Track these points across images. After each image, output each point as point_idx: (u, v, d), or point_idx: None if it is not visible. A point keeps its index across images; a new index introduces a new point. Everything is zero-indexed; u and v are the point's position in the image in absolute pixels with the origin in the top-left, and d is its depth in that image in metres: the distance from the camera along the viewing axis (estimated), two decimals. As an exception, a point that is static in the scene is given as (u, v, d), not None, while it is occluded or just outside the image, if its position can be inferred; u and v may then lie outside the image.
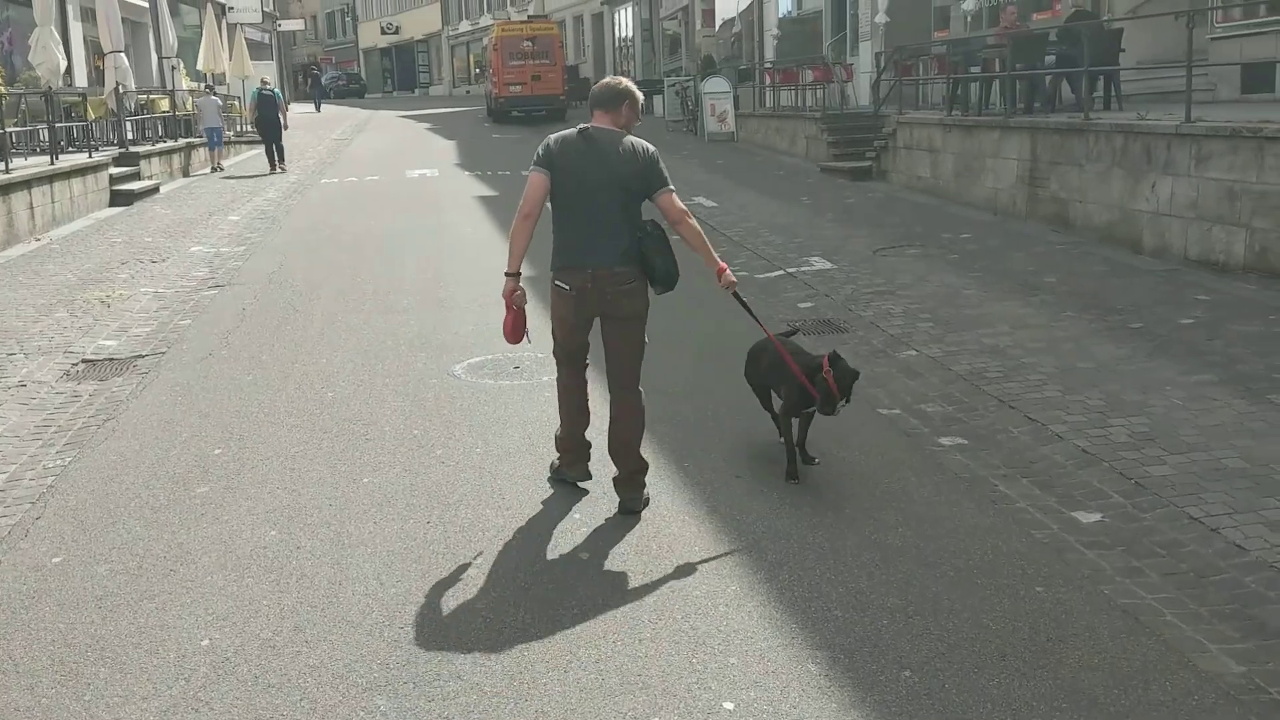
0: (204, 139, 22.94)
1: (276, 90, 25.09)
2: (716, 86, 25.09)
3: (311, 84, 56.31)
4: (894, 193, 16.33)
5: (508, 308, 5.28)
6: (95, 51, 26.06)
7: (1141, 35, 13.82)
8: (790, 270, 10.91)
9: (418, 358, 7.93)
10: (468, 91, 60.17)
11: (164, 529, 5.09)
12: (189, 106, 23.63)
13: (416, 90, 70.34)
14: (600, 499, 5.33)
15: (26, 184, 13.45)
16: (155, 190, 18.01)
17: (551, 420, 6.19)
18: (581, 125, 5.14)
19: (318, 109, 48.39)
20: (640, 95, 5.36)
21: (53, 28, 16.17)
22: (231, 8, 35.89)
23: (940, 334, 8.27)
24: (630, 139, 5.09)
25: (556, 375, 5.57)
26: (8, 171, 13.28)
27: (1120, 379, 6.96)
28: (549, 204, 5.12)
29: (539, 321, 5.80)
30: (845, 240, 12.47)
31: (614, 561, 4.72)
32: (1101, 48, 12.63)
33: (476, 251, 12.34)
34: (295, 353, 8.19)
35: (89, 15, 22.26)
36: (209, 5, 28.19)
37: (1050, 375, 7.11)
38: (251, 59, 38.07)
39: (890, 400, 6.83)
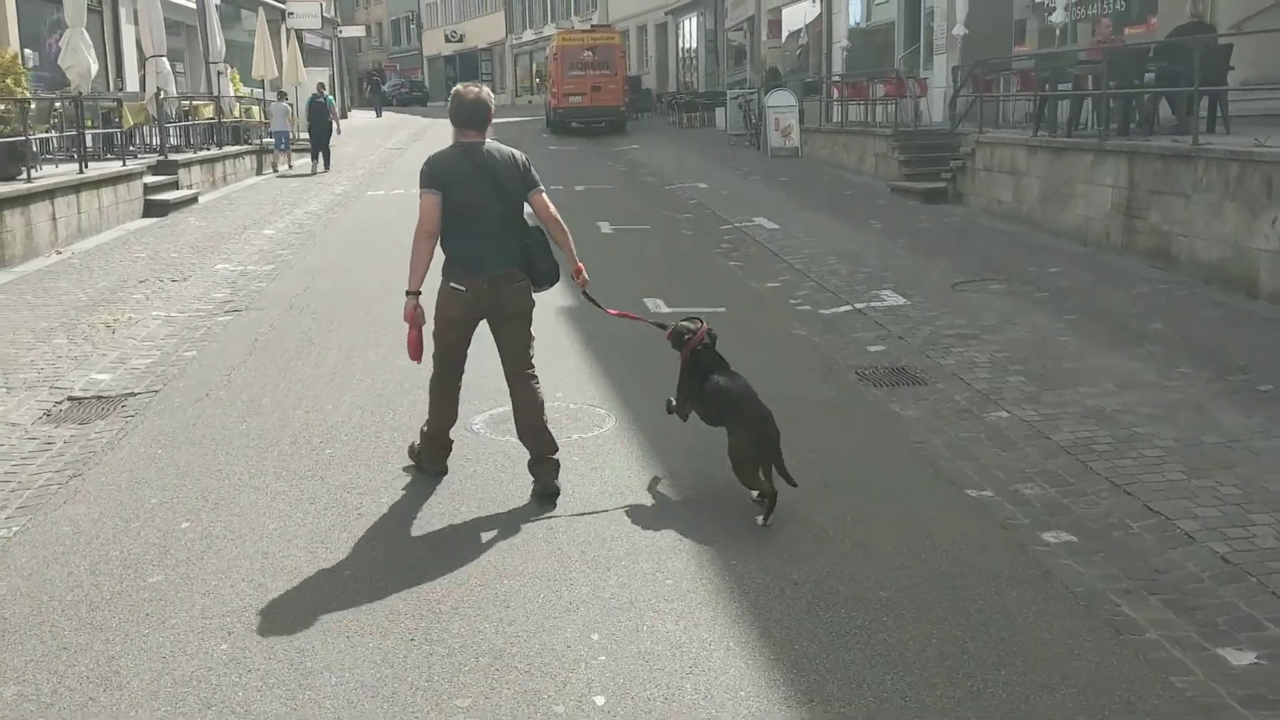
0: (273, 141, 24.48)
1: (329, 97, 25.59)
2: (781, 100, 24.03)
3: (372, 90, 56.12)
4: (971, 217, 15.16)
5: (412, 326, 5.54)
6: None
7: (1242, 51, 12.54)
8: (858, 305, 9.84)
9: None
10: (529, 101, 59.63)
11: (97, 635, 4.18)
12: (235, 113, 23.10)
13: (479, 99, 69.75)
14: (598, 622, 4.32)
15: (49, 194, 12.78)
16: (193, 200, 17.34)
17: (581, 496, 5.49)
18: (458, 142, 5.50)
19: (378, 115, 48.04)
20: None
21: (84, 30, 15.54)
22: (291, 13, 35.50)
23: (1034, 391, 7.17)
24: (500, 147, 5.53)
25: (433, 379, 5.82)
26: (29, 180, 12.61)
27: (1256, 459, 5.83)
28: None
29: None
30: (920, 271, 11.36)
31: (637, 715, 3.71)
32: (1211, 65, 11.41)
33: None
34: (300, 395, 7.29)
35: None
36: (260, 10, 27.65)
37: (1170, 450, 6.00)
38: (313, 65, 37.75)
39: (980, 478, 5.76)
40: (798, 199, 17.39)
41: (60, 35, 21.48)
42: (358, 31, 58.95)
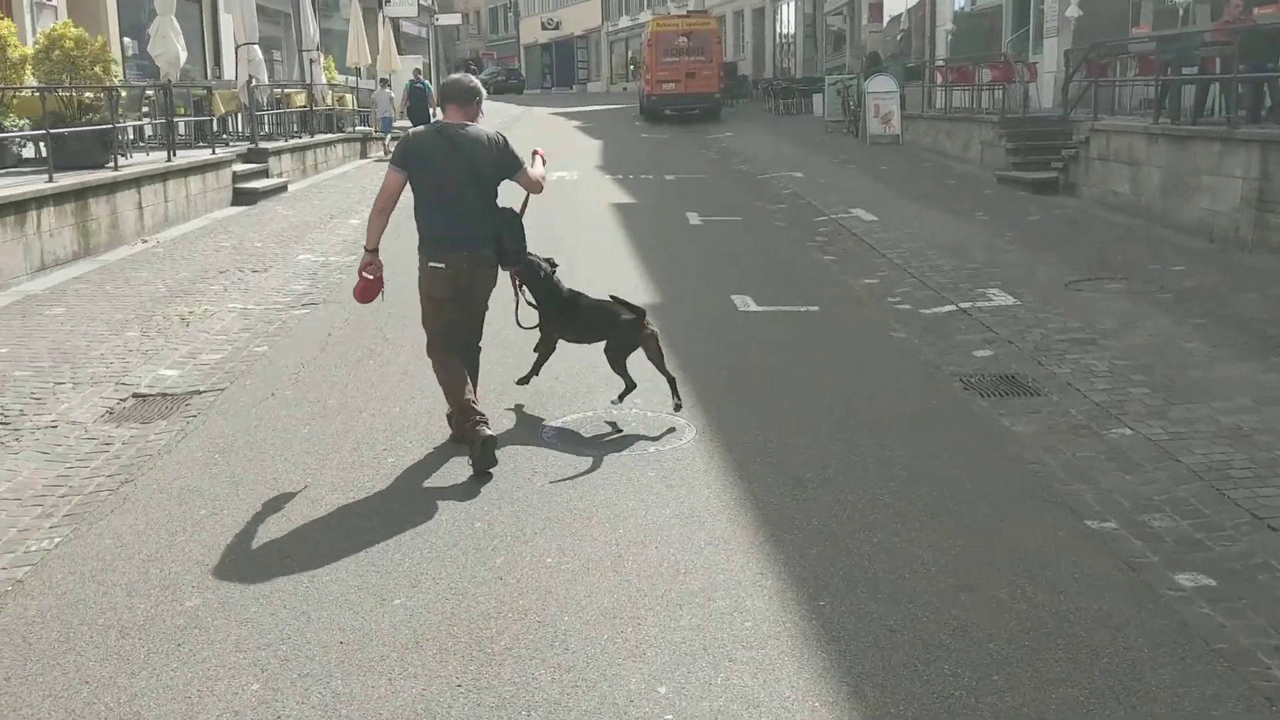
0: (380, 127, 25.53)
1: (427, 83, 26.41)
2: (882, 85, 23.22)
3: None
4: (1085, 209, 14.30)
5: (361, 276, 5.88)
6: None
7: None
8: (963, 305, 9.19)
9: (506, 412, 6.59)
10: (625, 89, 59.25)
11: (123, 667, 3.85)
12: (328, 101, 23.08)
13: (574, 86, 69.88)
14: (666, 672, 3.84)
15: (135, 182, 12.73)
16: (282, 189, 17.27)
17: (654, 519, 4.99)
18: (436, 122, 5.81)
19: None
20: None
21: (173, 17, 15.51)
22: (388, 1, 35.57)
23: (1160, 405, 6.50)
24: (480, 128, 5.72)
25: (434, 360, 5.93)
26: (116, 169, 12.57)
27: None
28: (412, 195, 5.74)
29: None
30: (1030, 267, 10.65)
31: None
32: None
33: (599, 271, 10.97)
34: (369, 396, 6.96)
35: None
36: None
37: (1321, 479, 5.32)
38: (409, 53, 37.87)
39: (1102, 506, 5.14)
40: (897, 189, 16.66)
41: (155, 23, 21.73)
42: (454, 19, 59.16)
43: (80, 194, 11.48)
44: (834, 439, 6.02)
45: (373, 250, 5.83)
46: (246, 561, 4.66)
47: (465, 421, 5.62)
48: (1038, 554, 4.61)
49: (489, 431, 5.58)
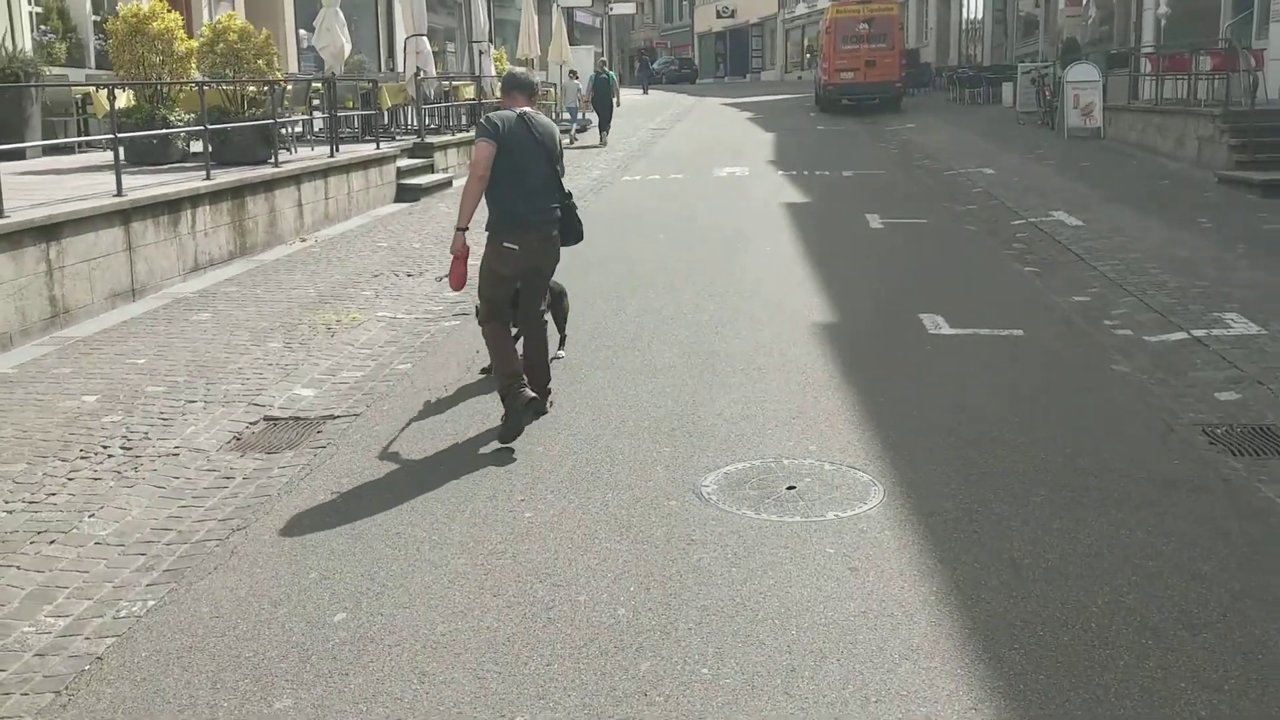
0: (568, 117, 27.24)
1: (611, 74, 27.60)
2: (1083, 74, 21.41)
3: (640, 69, 55.80)
4: (1327, 216, 12.58)
5: (458, 258, 6.10)
6: (430, 38, 25.83)
7: None
8: (1196, 333, 7.90)
9: (659, 455, 5.76)
10: (799, 77, 57.81)
11: (188, 793, 3.18)
12: (497, 93, 22.68)
13: (748, 75, 68.69)
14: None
15: (295, 179, 12.44)
16: (447, 184, 16.88)
17: (834, 615, 4.04)
18: (513, 109, 6.06)
19: (644, 93, 47.58)
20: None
21: (338, 9, 15.25)
22: (562, -9, 35.28)
23: None
24: (544, 117, 6.16)
25: (487, 331, 6.22)
26: (276, 165, 12.30)
27: None
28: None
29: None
30: (1273, 288, 9.20)
31: None
32: None
33: (770, 281, 10.05)
34: (482, 419, 6.24)
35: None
36: (526, -10, 27.35)
37: None
38: (582, 44, 37.57)
39: None
40: (1103, 189, 15.10)
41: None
42: (629, 8, 58.64)
43: (237, 192, 11.21)
44: (1054, 509, 4.98)
45: (463, 229, 6.00)
46: (352, 649, 3.96)
47: (510, 387, 5.95)
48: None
49: (531, 394, 5.98)
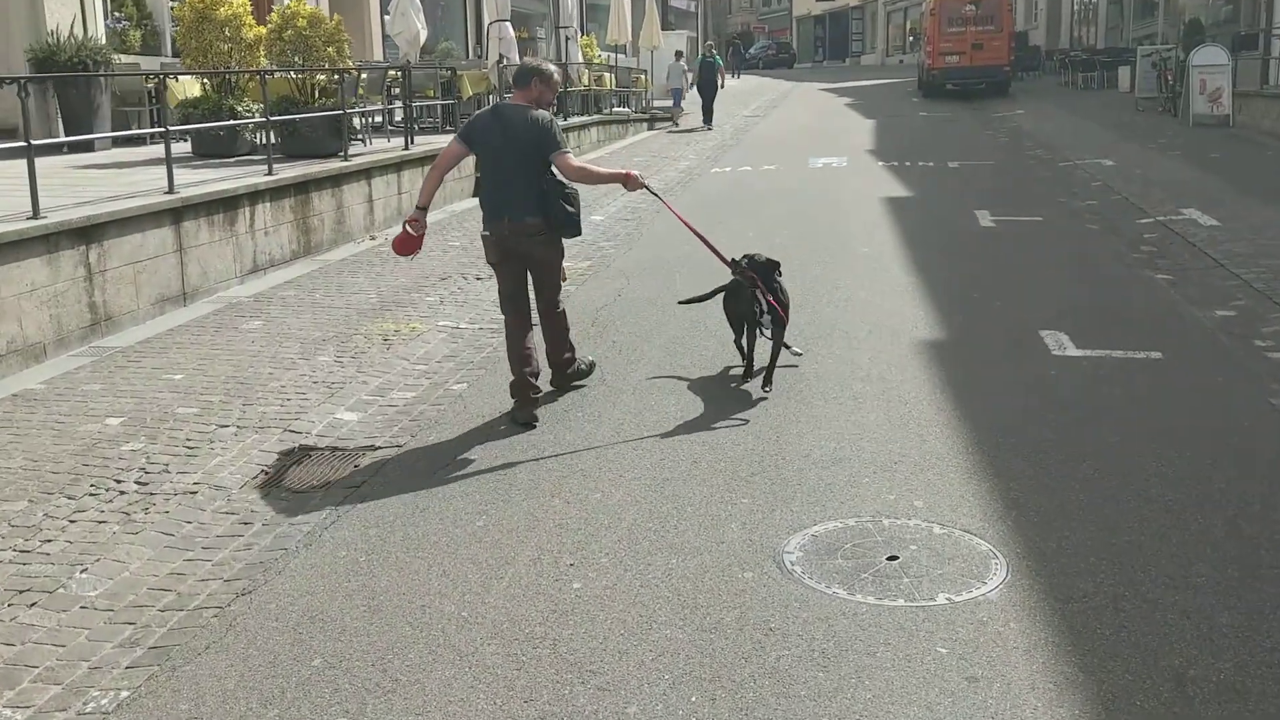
0: (672, 99, 28.21)
1: (718, 57, 28.60)
2: (1211, 58, 19.86)
3: (733, 53, 54.62)
4: None
5: (404, 229, 6.45)
6: (519, 24, 25.22)
7: None
8: (1368, 360, 6.78)
9: (735, 508, 4.92)
10: (901, 61, 56.09)
11: None
12: (584, 81, 21.97)
13: (847, 60, 67.00)
14: None
15: (365, 173, 11.82)
16: (528, 176, 16.16)
17: None
18: (503, 104, 6.60)
19: (735, 78, 46.48)
20: (552, 72, 6.39)
21: (414, -8, 14.62)
22: (658, -27, 34.35)
23: None
24: (531, 111, 6.18)
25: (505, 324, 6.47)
26: (346, 158, 11.69)
27: None
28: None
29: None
30: None
31: None
32: None
33: (867, 289, 9.11)
34: (568, 470, 5.47)
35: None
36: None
37: None
38: (677, 28, 36.69)
39: None
40: (1239, 184, 13.75)
41: None
42: (725, -9, 57.49)
43: (301, 188, 10.62)
44: (1221, 596, 4.03)
45: (422, 208, 6.44)
46: (343, 773, 3.22)
47: (521, 389, 6.24)
48: None
49: (525, 410, 6.17)
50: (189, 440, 6.04)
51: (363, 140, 13.49)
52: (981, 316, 8.14)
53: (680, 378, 6.90)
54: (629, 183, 6.47)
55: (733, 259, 6.61)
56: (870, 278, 9.46)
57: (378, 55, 20.56)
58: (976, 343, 7.45)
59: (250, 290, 9.53)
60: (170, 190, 8.98)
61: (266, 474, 5.63)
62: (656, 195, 6.99)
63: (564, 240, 6.39)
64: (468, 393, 6.76)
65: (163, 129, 9.21)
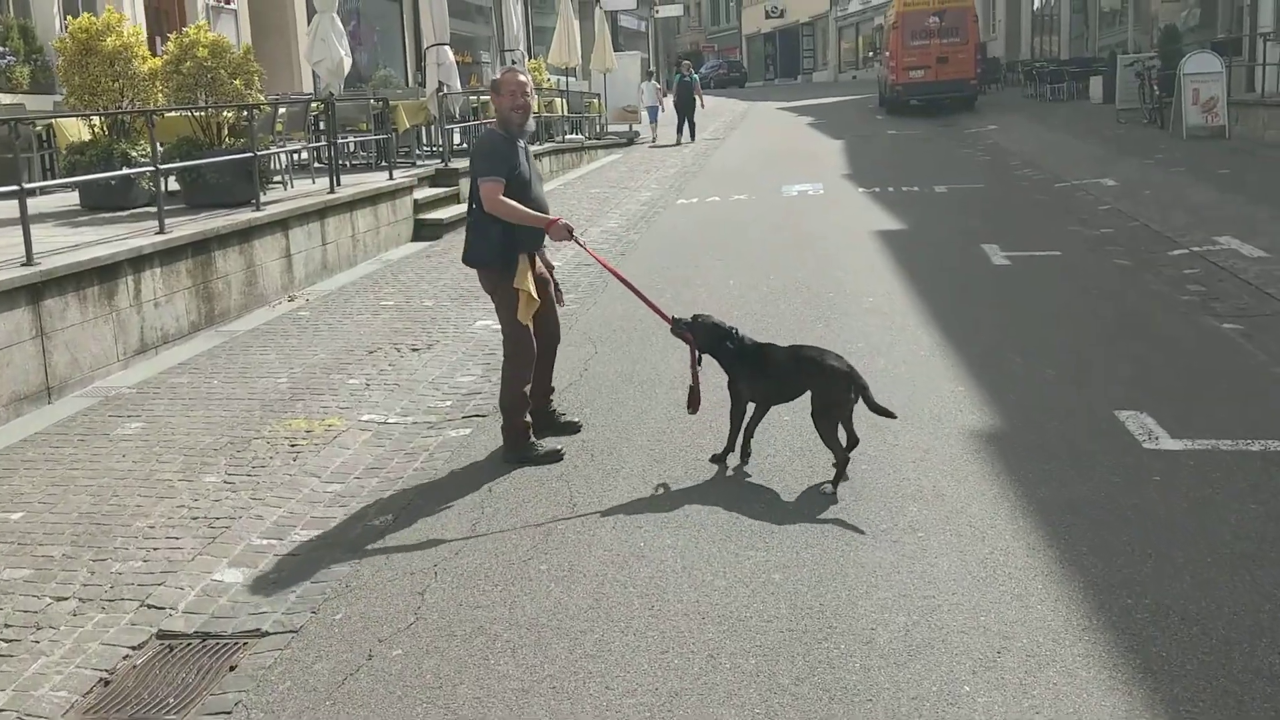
0: (647, 116, 29.15)
1: (694, 75, 28.21)
2: (1204, 65, 18.62)
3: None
4: None
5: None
6: (461, 48, 23.59)
7: None
8: None
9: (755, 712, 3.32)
10: (854, 77, 55.22)
11: None
12: (535, 107, 20.43)
13: (799, 77, 66.10)
14: None
15: (281, 223, 10.14)
16: (474, 217, 14.54)
17: None
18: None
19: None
20: (501, 79, 5.72)
21: (334, 15, 12.92)
22: (606, -6, 32.88)
23: None
24: (484, 129, 6.43)
25: None
26: (258, 208, 10.02)
27: None
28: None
29: None
30: None
31: None
32: None
33: (889, 355, 7.55)
34: (485, 654, 3.85)
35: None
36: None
37: None
38: (626, 49, 35.28)
39: None
40: (1268, 204, 12.35)
41: (352, 25, 19.51)
42: (675, 11, 56.18)
43: (201, 246, 8.93)
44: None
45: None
46: None
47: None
48: None
49: (515, 455, 5.76)
50: (9, 624, 4.37)
51: (283, 184, 11.81)
52: (1036, 392, 6.59)
53: (673, 494, 5.31)
54: (552, 232, 5.63)
55: (674, 317, 5.80)
56: (885, 339, 7.91)
57: (308, 87, 18.88)
58: (1044, 434, 5.86)
59: (135, 377, 7.83)
60: (29, 261, 7.29)
61: (105, 683, 3.98)
62: (583, 246, 6.10)
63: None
64: (397, 539, 5.10)
65: (17, 187, 7.43)
